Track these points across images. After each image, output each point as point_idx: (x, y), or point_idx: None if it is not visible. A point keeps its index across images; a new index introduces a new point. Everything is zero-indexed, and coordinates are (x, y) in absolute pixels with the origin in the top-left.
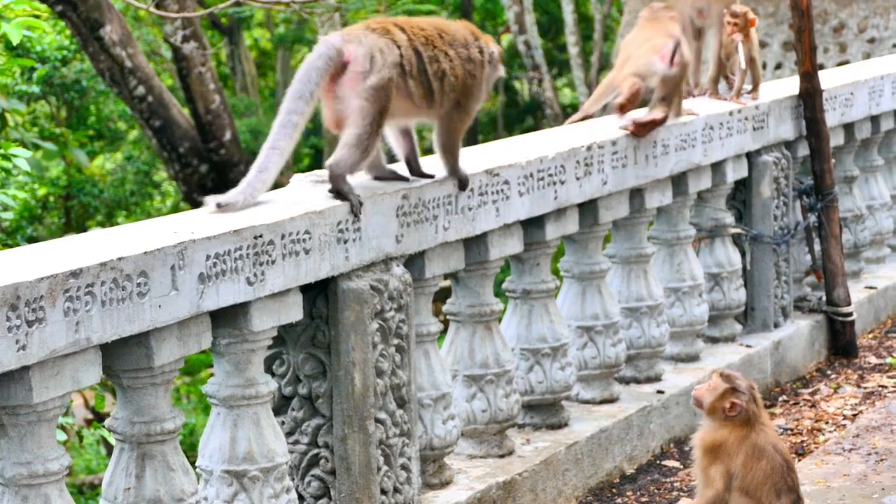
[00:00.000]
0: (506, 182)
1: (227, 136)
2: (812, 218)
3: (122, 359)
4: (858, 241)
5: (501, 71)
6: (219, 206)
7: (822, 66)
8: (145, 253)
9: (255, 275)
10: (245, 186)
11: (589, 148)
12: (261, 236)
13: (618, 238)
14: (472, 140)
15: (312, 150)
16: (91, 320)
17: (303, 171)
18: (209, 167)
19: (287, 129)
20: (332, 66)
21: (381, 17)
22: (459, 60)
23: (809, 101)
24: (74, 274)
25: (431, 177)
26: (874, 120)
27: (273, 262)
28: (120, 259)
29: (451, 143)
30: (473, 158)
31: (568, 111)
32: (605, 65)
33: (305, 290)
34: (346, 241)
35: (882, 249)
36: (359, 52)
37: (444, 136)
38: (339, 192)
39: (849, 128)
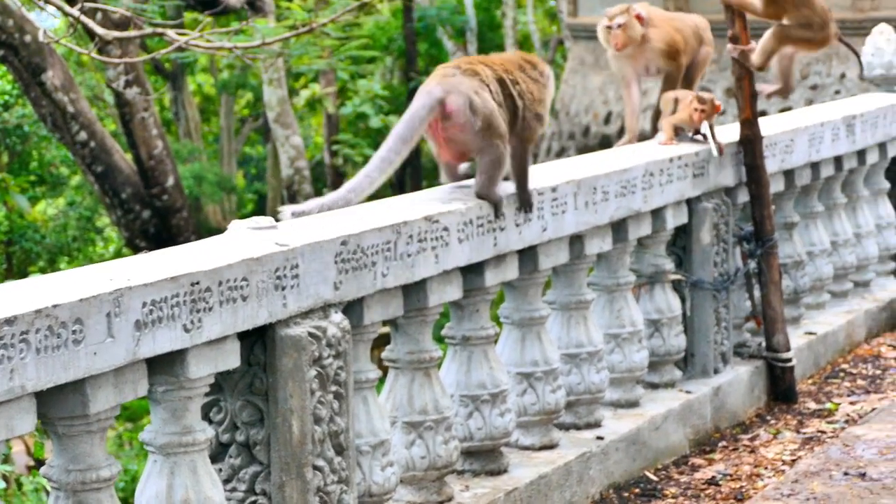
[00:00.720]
0: (445, 228)
1: (170, 181)
2: (752, 264)
3: (57, 406)
4: (798, 287)
5: (553, 90)
6: (294, 214)
7: (764, 113)
8: (81, 300)
9: (191, 322)
10: (328, 200)
11: None
12: (198, 283)
13: (558, 284)
14: (416, 186)
15: (256, 195)
16: (26, 368)
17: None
18: (151, 213)
19: (384, 163)
20: (435, 115)
21: (465, 59)
22: (530, 80)
23: (749, 147)
24: (9, 321)
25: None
26: (814, 166)
27: (210, 309)
28: (55, 306)
29: (523, 165)
30: (411, 205)
31: None
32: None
33: (243, 336)
34: (283, 288)
35: (822, 295)
36: (458, 103)
37: (517, 157)
38: (494, 205)
39: (789, 174)
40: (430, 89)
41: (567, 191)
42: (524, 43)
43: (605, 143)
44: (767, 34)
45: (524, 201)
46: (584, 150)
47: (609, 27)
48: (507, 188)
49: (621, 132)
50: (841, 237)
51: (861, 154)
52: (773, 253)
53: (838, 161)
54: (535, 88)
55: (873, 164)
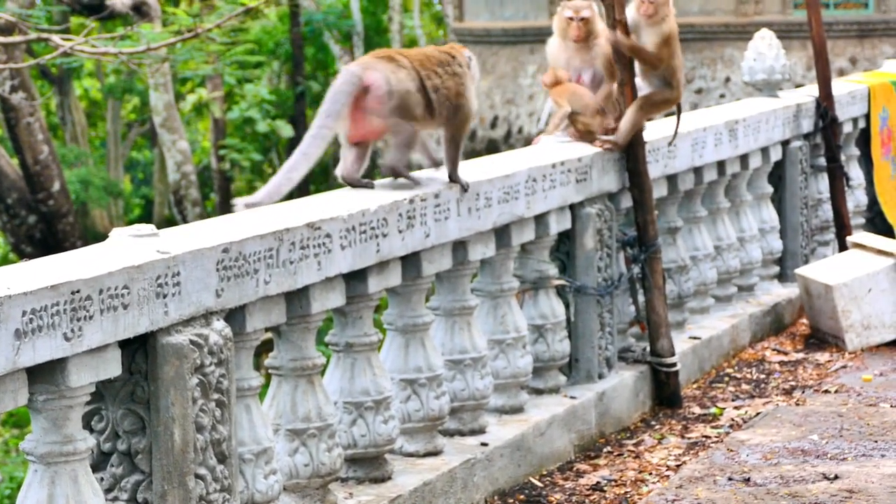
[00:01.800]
0: (328, 235)
1: (56, 186)
2: (636, 269)
3: None
4: (682, 291)
5: (477, 74)
6: (247, 205)
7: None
8: None
9: (72, 330)
10: (271, 185)
11: (411, 201)
12: (78, 291)
13: (441, 290)
14: (304, 190)
15: (143, 200)
16: None
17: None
18: (37, 218)
19: (317, 140)
20: (356, 90)
21: (381, 49)
22: (447, 76)
23: (632, 152)
24: None
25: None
26: (697, 171)
27: (91, 317)
28: None
29: (452, 151)
30: (294, 212)
31: None
32: None
33: (124, 345)
34: (165, 296)
35: (706, 300)
36: (377, 77)
37: (445, 144)
38: (405, 177)
39: (672, 179)
40: (349, 68)
41: (450, 197)
42: (411, 47)
43: (492, 147)
44: (631, 110)
45: (461, 183)
46: (470, 154)
47: (571, 18)
48: (433, 175)
49: (508, 136)
50: (725, 241)
51: (744, 158)
52: (657, 258)
53: (721, 166)
54: (454, 81)
55: (756, 168)
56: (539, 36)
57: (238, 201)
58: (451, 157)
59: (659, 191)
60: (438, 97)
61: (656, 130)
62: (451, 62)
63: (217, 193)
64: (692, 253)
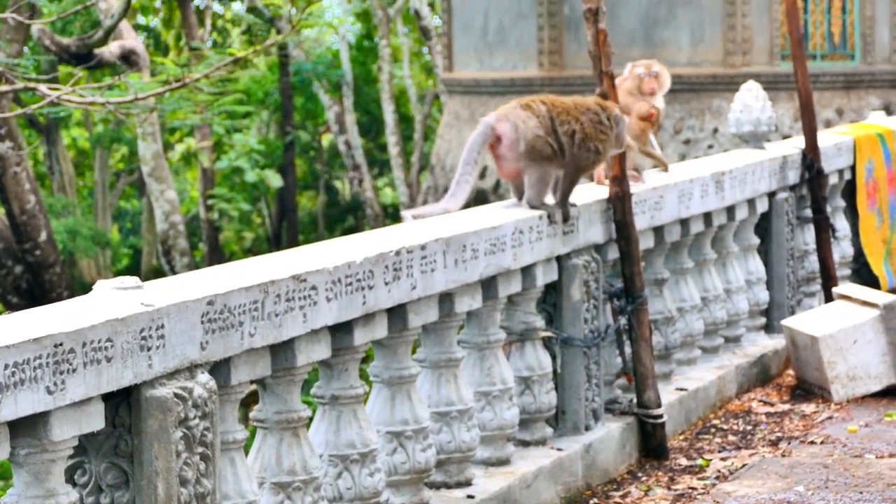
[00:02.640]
0: (313, 287)
1: (43, 236)
2: (622, 320)
3: None
4: (669, 343)
5: (623, 137)
6: (413, 217)
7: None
8: None
9: (55, 383)
10: (437, 205)
11: (398, 253)
12: (61, 344)
13: (427, 342)
14: (293, 241)
15: (131, 249)
16: None
17: (122, 272)
18: (24, 268)
19: (461, 185)
20: (489, 139)
21: (531, 97)
22: (590, 123)
23: (619, 204)
24: None
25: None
26: (684, 223)
27: (74, 370)
28: None
29: (566, 184)
30: (280, 264)
31: (389, 211)
32: (425, 164)
33: (108, 398)
34: (149, 349)
35: (693, 351)
36: (506, 128)
37: (564, 177)
38: (541, 209)
39: (659, 231)
40: (486, 119)
41: (436, 248)
42: (400, 97)
43: (481, 197)
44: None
45: (564, 213)
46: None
47: (642, 76)
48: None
49: (497, 186)
50: (711, 293)
51: (730, 210)
52: (644, 309)
53: (708, 217)
54: (594, 129)
55: (742, 220)
56: (528, 86)
57: (407, 213)
58: (564, 188)
59: (646, 242)
60: (571, 140)
61: (643, 182)
62: (600, 114)
63: (205, 243)
64: (679, 304)
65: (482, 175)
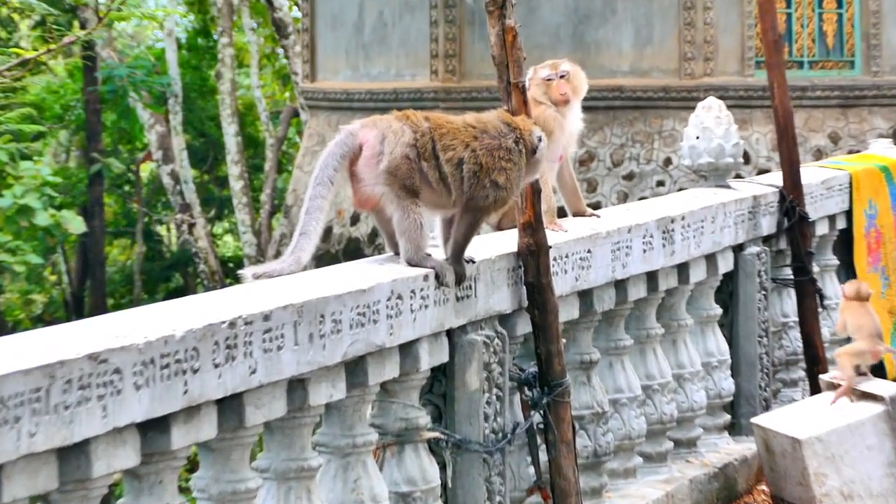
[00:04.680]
0: (117, 371)
1: None
2: (536, 417)
3: None
4: (599, 447)
5: (541, 162)
6: (255, 275)
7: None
8: None
9: None
10: (283, 264)
11: (232, 324)
12: None
13: (273, 445)
14: (99, 306)
15: None
16: None
17: None
18: None
19: (313, 213)
20: (350, 151)
21: (417, 111)
22: (484, 150)
23: (532, 260)
24: None
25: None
26: (619, 286)
27: None
28: None
29: (460, 233)
30: (74, 338)
31: (230, 266)
32: (278, 204)
33: None
34: None
35: (632, 458)
36: (370, 135)
37: (457, 223)
38: (427, 268)
39: (586, 296)
40: (347, 126)
41: (284, 319)
42: (247, 115)
43: (353, 249)
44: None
45: (457, 272)
46: (325, 259)
47: (549, 79)
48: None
49: (373, 235)
50: (657, 380)
51: (683, 269)
52: (565, 402)
53: (652, 279)
54: (492, 158)
55: (699, 282)
56: (418, 100)
57: (246, 270)
58: (456, 238)
59: (568, 311)
60: (458, 172)
61: (571, 230)
62: (503, 135)
63: None
64: (614, 395)
65: (354, 220)
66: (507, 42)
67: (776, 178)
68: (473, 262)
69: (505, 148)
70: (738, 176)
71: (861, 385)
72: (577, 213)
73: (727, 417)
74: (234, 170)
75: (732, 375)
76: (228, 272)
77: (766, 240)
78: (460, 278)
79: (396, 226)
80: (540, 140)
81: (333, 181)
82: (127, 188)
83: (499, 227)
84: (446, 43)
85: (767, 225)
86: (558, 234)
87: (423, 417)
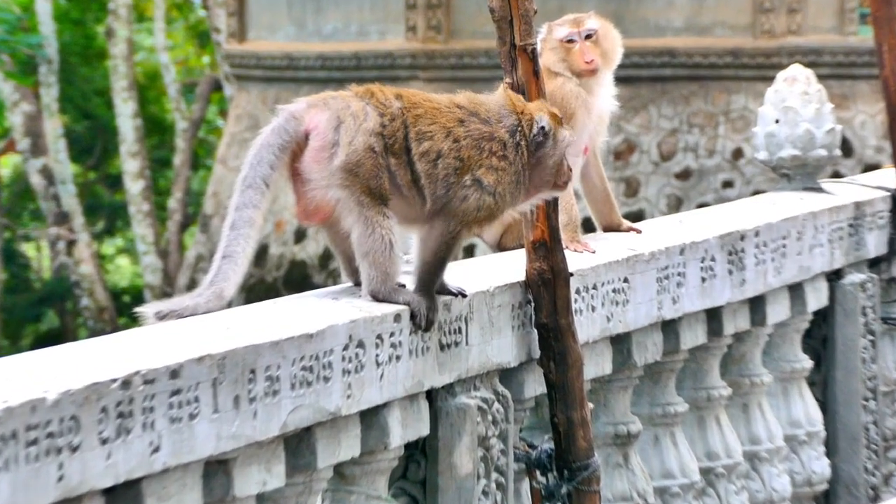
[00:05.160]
0: None
1: None
2: None
3: None
4: None
5: (561, 149)
6: (159, 314)
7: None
8: None
9: None
10: (197, 300)
11: (126, 384)
12: None
13: None
14: None
15: None
16: None
17: None
18: None
19: (240, 228)
20: (292, 141)
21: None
22: (469, 142)
23: (547, 294)
24: None
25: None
26: (668, 329)
27: None
28: None
29: (431, 255)
30: None
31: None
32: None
33: None
34: None
35: None
36: (321, 119)
37: (428, 243)
38: (399, 303)
39: (622, 343)
40: (289, 106)
41: (200, 376)
42: (149, 87)
43: (298, 278)
44: None
45: (427, 310)
46: (259, 291)
47: (570, 40)
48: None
49: (326, 258)
50: (721, 461)
51: (757, 305)
52: (593, 492)
53: (715, 318)
54: (477, 151)
55: (780, 323)
56: (389, 68)
57: (148, 308)
58: (425, 260)
59: (597, 365)
60: (433, 169)
61: (591, 254)
62: (499, 122)
63: None
64: (661, 482)
65: (299, 236)
66: None
67: (888, 176)
68: (463, 295)
69: (498, 139)
70: (835, 175)
71: None
72: (610, 227)
73: None
74: (131, 165)
75: (827, 454)
76: (123, 309)
77: (874, 264)
78: (428, 322)
79: (357, 245)
80: (544, 131)
81: (269, 183)
82: None
83: (500, 247)
84: None
85: (875, 244)
86: (583, 257)
87: None
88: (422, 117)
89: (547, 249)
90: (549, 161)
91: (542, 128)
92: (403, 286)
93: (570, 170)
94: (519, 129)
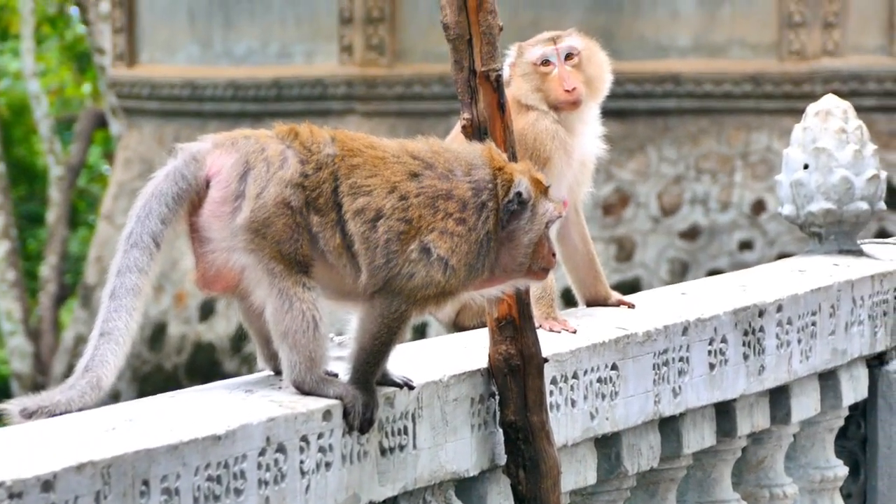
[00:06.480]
0: None
1: None
2: None
3: None
4: None
5: (542, 213)
6: (25, 412)
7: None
8: None
9: None
10: (74, 384)
11: None
12: None
13: None
14: None
15: None
16: None
17: None
18: None
19: (122, 298)
20: (191, 189)
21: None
22: (421, 200)
23: (515, 385)
24: None
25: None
26: (666, 426)
27: None
28: None
29: (371, 341)
30: None
31: None
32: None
33: None
34: None
35: None
36: (225, 163)
37: (366, 324)
38: (329, 397)
39: (609, 446)
40: (189, 145)
41: (79, 488)
42: (15, 122)
43: (203, 364)
44: None
45: (364, 407)
46: (154, 381)
47: (545, 63)
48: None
49: (239, 339)
50: None
51: (779, 399)
52: None
53: (726, 415)
54: (427, 209)
55: (808, 420)
56: (319, 99)
57: (12, 404)
58: (364, 345)
59: (579, 473)
60: (371, 232)
61: (584, 329)
62: (464, 175)
63: None
64: None
65: (206, 311)
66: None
67: None
68: (410, 387)
69: (456, 198)
70: (879, 234)
71: None
72: (595, 301)
73: None
74: None
75: None
76: None
77: None
78: (366, 421)
79: (272, 324)
80: (520, 198)
81: (160, 241)
82: None
83: (457, 326)
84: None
85: None
86: (561, 338)
87: None
88: (359, 168)
89: (515, 329)
90: (523, 238)
91: (519, 193)
92: (335, 375)
93: (554, 255)
94: (489, 187)
